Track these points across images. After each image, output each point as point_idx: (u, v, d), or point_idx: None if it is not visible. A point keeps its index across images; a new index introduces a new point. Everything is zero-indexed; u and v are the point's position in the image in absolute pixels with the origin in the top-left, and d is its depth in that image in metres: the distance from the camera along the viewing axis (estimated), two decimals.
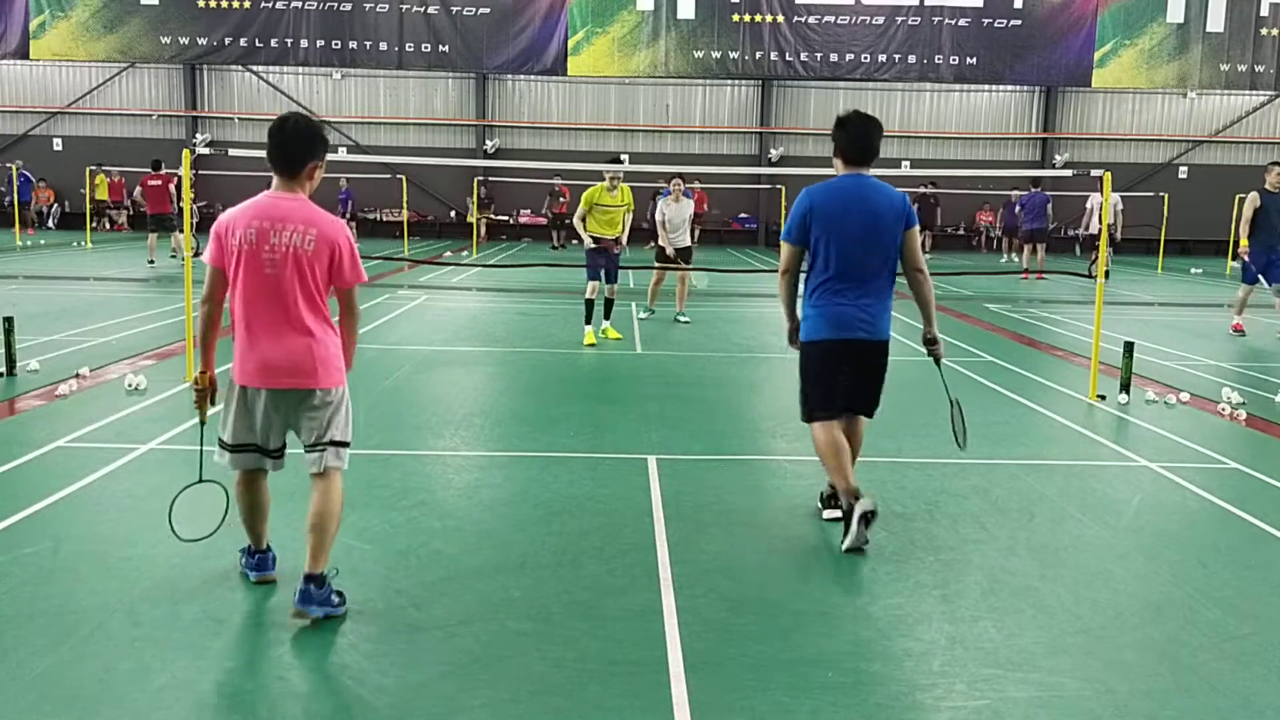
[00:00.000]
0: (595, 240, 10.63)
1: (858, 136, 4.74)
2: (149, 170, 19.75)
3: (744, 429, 7.26)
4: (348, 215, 27.22)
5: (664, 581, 4.24)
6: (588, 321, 10.77)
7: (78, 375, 7.99)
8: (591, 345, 10.51)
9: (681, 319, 12.63)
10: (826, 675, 3.49)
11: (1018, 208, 22.72)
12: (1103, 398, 8.17)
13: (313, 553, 3.74)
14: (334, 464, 3.85)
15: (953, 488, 5.59)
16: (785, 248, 4.87)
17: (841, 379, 4.82)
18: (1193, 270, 23.96)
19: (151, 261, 18.79)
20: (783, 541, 4.80)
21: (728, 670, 3.49)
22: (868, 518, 4.55)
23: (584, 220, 10.65)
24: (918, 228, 4.80)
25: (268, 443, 3.92)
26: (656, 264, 12.60)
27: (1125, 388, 8.27)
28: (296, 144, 3.73)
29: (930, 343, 4.90)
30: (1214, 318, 14.89)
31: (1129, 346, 8.39)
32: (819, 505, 5.19)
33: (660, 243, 12.40)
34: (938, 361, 4.98)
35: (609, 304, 11.15)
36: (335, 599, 3.79)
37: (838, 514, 4.89)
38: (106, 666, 3.40)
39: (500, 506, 5.27)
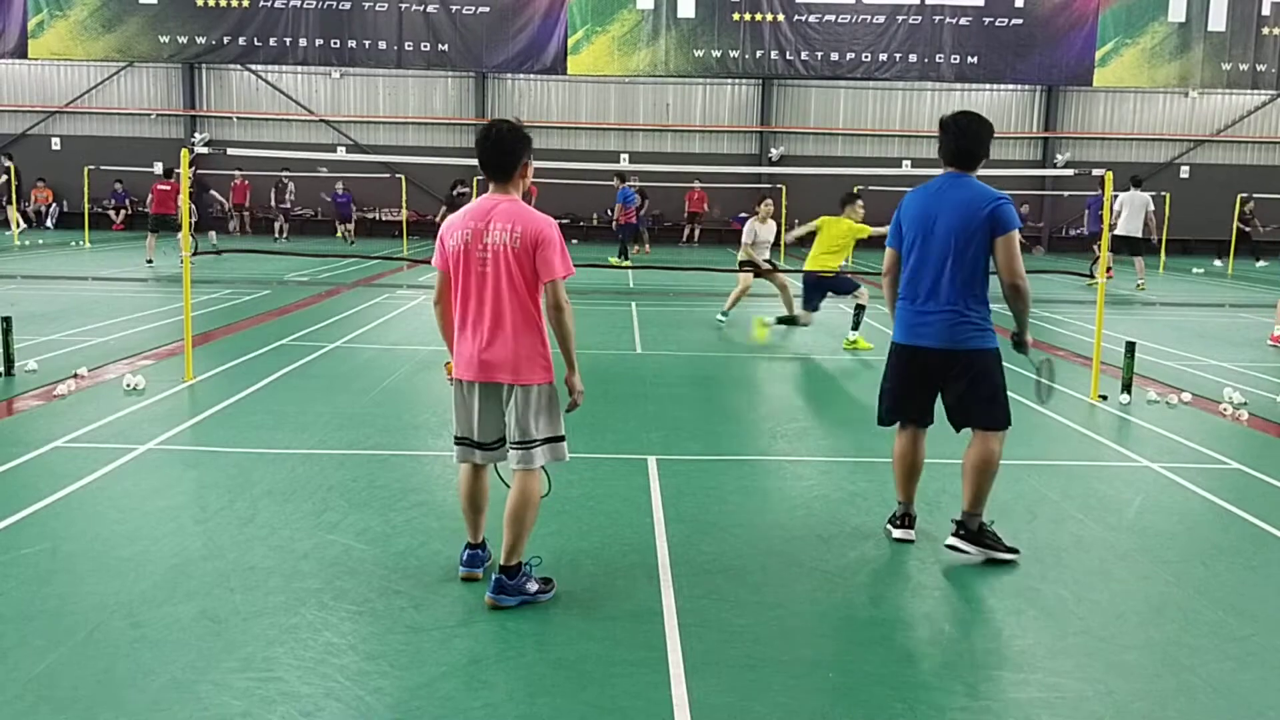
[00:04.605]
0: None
1: (952, 136, 4.56)
2: (157, 174, 20.09)
3: (744, 429, 7.25)
4: (348, 218, 26.74)
5: (664, 581, 4.23)
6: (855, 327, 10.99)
7: (76, 375, 7.98)
8: (864, 348, 10.72)
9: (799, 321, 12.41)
10: (827, 676, 3.48)
11: (1086, 210, 21.56)
12: (1104, 398, 8.16)
13: (506, 545, 3.93)
14: (546, 460, 3.96)
15: (953, 488, 5.57)
16: (886, 252, 4.75)
17: (917, 387, 4.64)
18: (1194, 270, 23.95)
19: (150, 261, 18.79)
20: (782, 542, 4.79)
21: (728, 670, 3.48)
22: (956, 547, 4.52)
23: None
24: (1015, 234, 4.44)
25: (480, 435, 4.02)
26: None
27: (1127, 388, 8.26)
28: (504, 149, 3.91)
29: (1017, 344, 4.77)
30: (1216, 318, 14.88)
31: (1130, 346, 8.38)
32: (887, 525, 4.95)
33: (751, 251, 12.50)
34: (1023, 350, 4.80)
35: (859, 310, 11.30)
36: (533, 586, 3.95)
37: (909, 535, 4.80)
38: (105, 667, 3.39)
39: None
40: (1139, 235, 18.05)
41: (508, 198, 3.93)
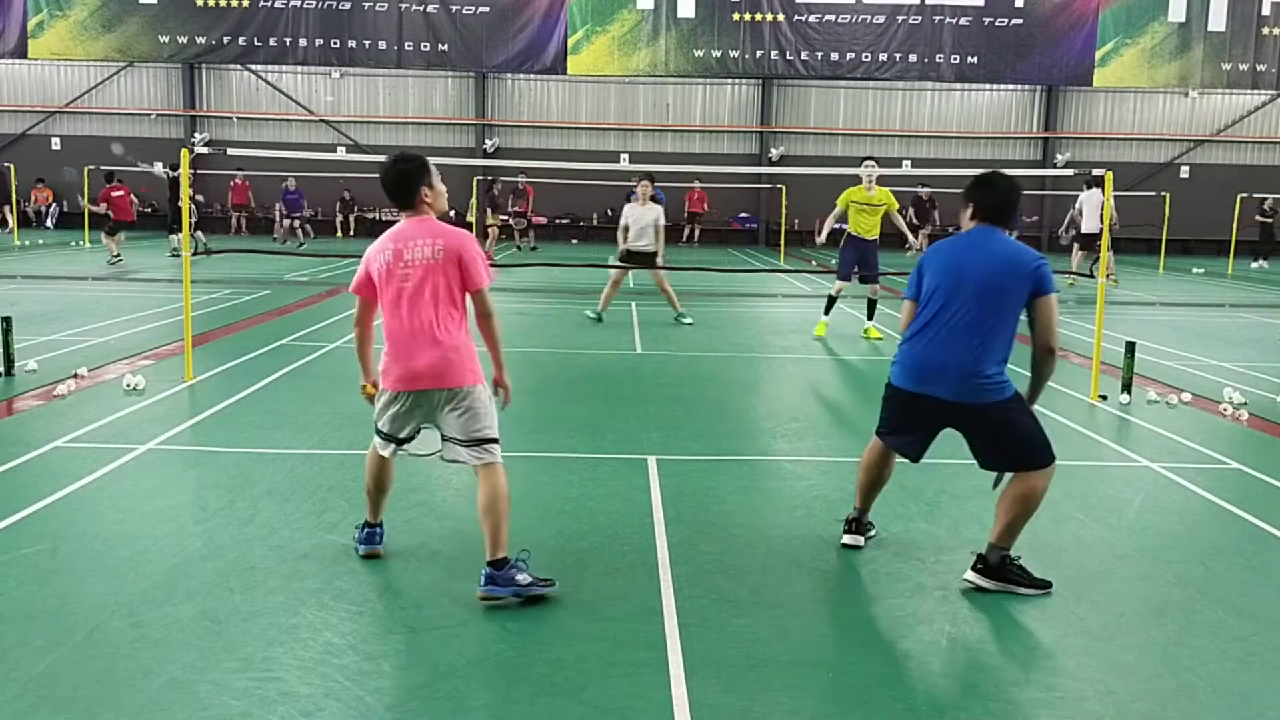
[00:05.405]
0: (855, 238, 11.25)
1: (999, 192, 4.36)
2: (110, 180, 19.75)
3: (744, 429, 7.25)
4: (295, 218, 24.64)
5: (664, 581, 4.23)
6: (825, 313, 11.52)
7: (76, 375, 7.97)
8: (819, 338, 11.28)
9: (684, 320, 12.42)
10: (827, 676, 3.48)
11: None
12: (1104, 398, 8.16)
13: (488, 540, 4.01)
14: (490, 459, 4.08)
15: (953, 488, 5.58)
16: (904, 305, 4.52)
17: (919, 432, 4.43)
18: (1194, 270, 23.95)
19: (119, 257, 18.75)
20: (782, 542, 4.79)
21: (728, 670, 3.47)
22: (972, 582, 4.25)
23: (839, 217, 11.28)
24: (1054, 296, 4.21)
25: (400, 434, 4.25)
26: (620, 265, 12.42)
27: (1127, 388, 8.26)
28: (400, 183, 4.16)
29: None
30: (1216, 318, 14.88)
31: (1130, 346, 8.38)
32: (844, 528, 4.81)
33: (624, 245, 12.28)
34: None
35: (872, 304, 11.58)
36: (525, 579, 3.97)
37: (857, 541, 4.67)
38: (105, 667, 3.39)
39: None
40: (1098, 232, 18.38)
41: (420, 218, 4.16)
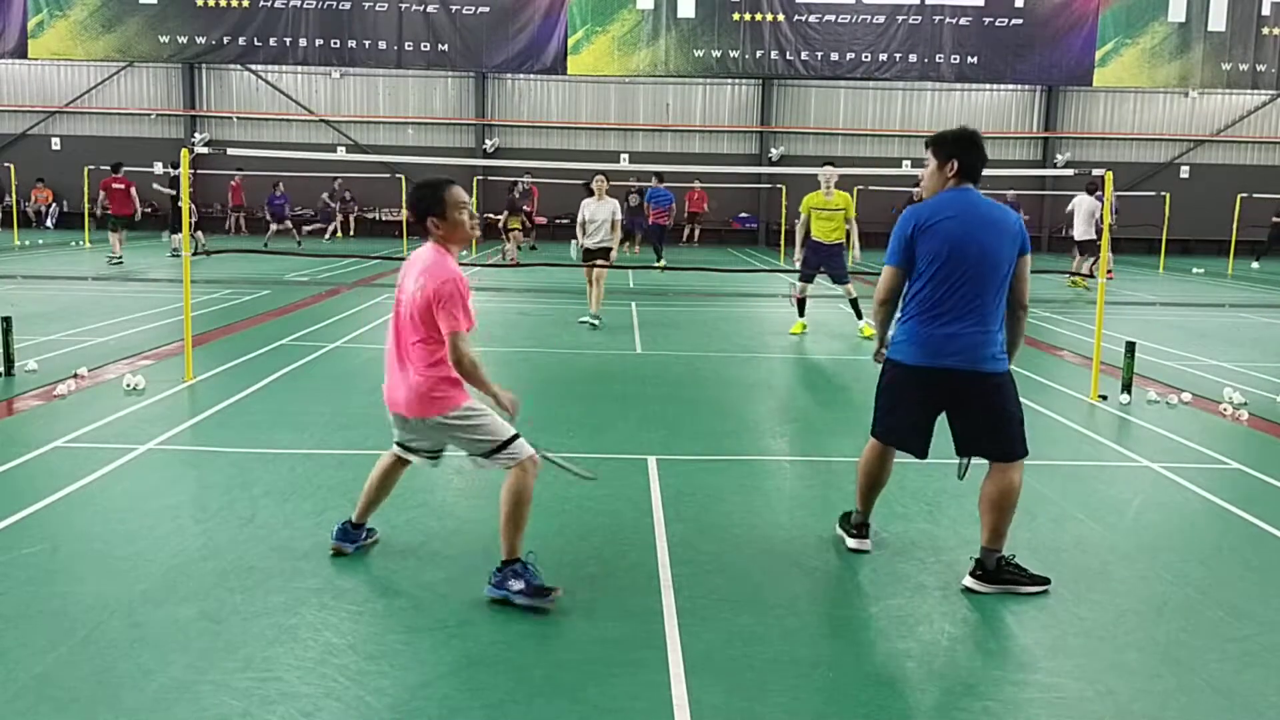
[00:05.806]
0: (816, 242, 11.45)
1: (982, 150, 4.42)
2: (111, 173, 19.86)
3: (744, 429, 7.25)
4: (281, 221, 23.88)
5: (664, 581, 4.23)
6: (800, 314, 11.94)
7: (76, 375, 7.97)
8: (796, 334, 11.66)
9: (595, 322, 12.03)
10: (827, 676, 3.48)
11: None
12: (1104, 398, 8.16)
13: (501, 534, 4.06)
14: (511, 462, 4.06)
15: (953, 488, 5.57)
16: (887, 272, 4.36)
17: (925, 416, 4.38)
18: (1194, 270, 23.94)
19: (120, 258, 18.77)
20: (783, 542, 4.79)
21: (728, 670, 3.47)
22: (971, 589, 4.26)
23: (806, 226, 11.45)
24: (1030, 255, 4.34)
25: (409, 444, 4.32)
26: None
27: (1127, 388, 8.26)
28: (411, 210, 4.20)
29: None
30: (1216, 317, 14.88)
31: (1130, 346, 8.38)
32: (839, 530, 4.82)
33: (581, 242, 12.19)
34: None
35: (854, 303, 11.79)
36: (518, 586, 3.93)
37: (864, 546, 4.64)
38: (105, 667, 3.39)
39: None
40: (1091, 238, 18.46)
41: (430, 246, 4.15)
